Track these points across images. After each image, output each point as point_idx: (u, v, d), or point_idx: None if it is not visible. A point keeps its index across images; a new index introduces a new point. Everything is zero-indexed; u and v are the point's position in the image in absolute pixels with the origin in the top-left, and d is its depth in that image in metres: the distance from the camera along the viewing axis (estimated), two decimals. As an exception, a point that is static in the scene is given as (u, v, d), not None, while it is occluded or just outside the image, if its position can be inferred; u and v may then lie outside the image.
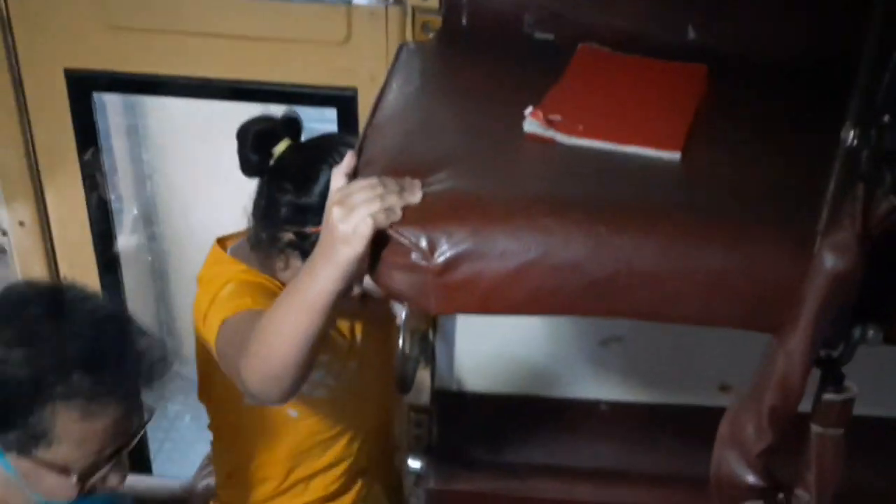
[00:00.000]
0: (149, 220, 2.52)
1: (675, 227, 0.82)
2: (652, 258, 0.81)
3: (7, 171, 1.58)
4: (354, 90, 1.51)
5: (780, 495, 0.83)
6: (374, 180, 0.86)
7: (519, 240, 0.82)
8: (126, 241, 2.42)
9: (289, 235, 1.25)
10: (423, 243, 0.83)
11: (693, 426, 1.73)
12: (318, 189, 1.22)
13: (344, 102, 1.52)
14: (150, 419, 1.07)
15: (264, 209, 1.28)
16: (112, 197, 1.72)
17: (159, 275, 2.67)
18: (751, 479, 0.81)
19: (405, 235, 0.84)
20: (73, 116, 1.54)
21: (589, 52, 1.23)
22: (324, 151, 1.24)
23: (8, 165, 1.57)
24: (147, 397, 1.05)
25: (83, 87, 1.53)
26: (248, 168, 1.27)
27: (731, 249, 0.80)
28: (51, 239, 1.65)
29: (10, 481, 1.01)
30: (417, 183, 0.87)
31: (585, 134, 1.00)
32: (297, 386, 1.01)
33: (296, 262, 1.26)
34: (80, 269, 1.68)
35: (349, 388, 1.38)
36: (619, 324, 1.68)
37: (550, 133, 1.00)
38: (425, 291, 0.85)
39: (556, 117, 1.02)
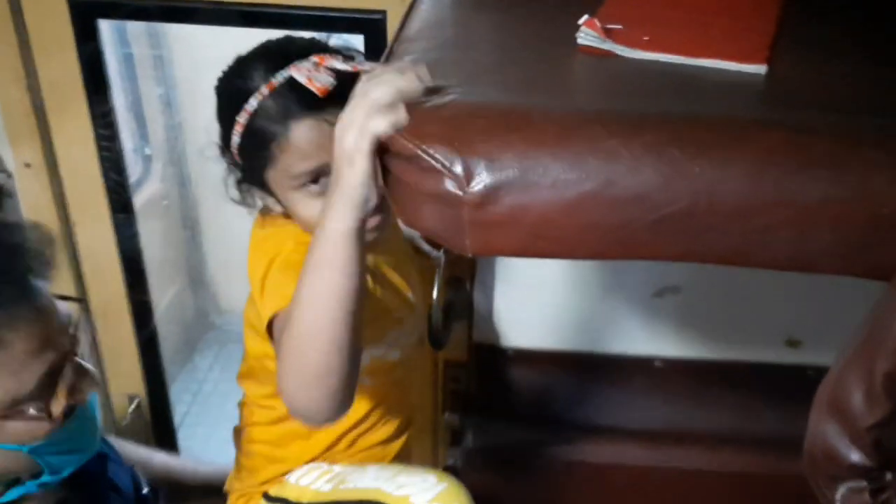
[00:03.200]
0: (174, 161, 2.41)
1: (766, 150, 0.67)
2: (738, 187, 0.66)
3: (10, 108, 1.46)
4: (383, 13, 1.37)
5: (889, 476, 0.68)
6: (366, 81, 0.75)
7: (575, 166, 0.68)
8: (152, 186, 2.33)
9: (238, 176, 1.10)
10: (458, 168, 0.69)
11: (757, 385, 1.63)
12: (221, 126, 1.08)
13: (372, 27, 1.38)
14: (74, 325, 0.97)
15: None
16: (137, 136, 1.61)
17: (189, 222, 2.58)
18: (855, 456, 0.66)
19: (436, 158, 0.69)
20: (78, 47, 1.42)
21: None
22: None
23: (11, 102, 1.46)
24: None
25: (87, 14, 1.40)
26: None
27: (836, 173, 0.65)
28: (59, 182, 1.54)
29: None
30: (423, 66, 0.75)
31: (651, 46, 0.85)
32: (346, 386, 0.87)
33: (266, 198, 1.10)
34: (92, 215, 1.57)
35: (417, 342, 1.28)
36: (675, 272, 1.56)
37: (609, 45, 0.85)
38: (460, 228, 0.71)
39: (616, 27, 0.86)
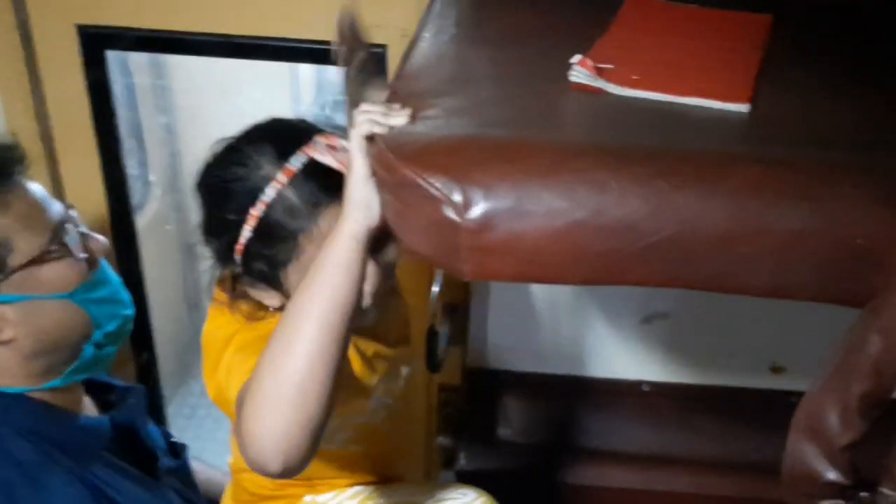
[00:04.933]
0: (174, 187, 2.45)
1: (747, 182, 0.71)
2: (720, 217, 0.70)
3: (18, 134, 1.49)
4: (384, 48, 1.41)
5: (864, 494, 0.72)
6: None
7: (568, 195, 0.72)
8: (151, 210, 2.35)
9: (238, 272, 1.01)
10: (457, 196, 0.73)
11: (741, 410, 1.67)
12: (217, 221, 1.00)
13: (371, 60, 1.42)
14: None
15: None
16: (135, 162, 1.65)
17: (185, 247, 2.60)
18: (832, 475, 0.70)
19: (436, 186, 0.73)
20: (86, 75, 1.46)
21: (640, 1, 1.12)
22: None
23: (19, 128, 1.49)
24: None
25: (96, 45, 1.44)
26: None
27: (813, 205, 0.69)
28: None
29: (22, 314, 1.01)
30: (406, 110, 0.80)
31: (640, 85, 0.89)
32: (316, 425, 0.80)
33: (270, 292, 1.00)
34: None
35: (404, 396, 1.22)
36: (663, 299, 1.60)
37: (601, 83, 0.89)
38: (457, 253, 0.74)
39: (607, 66, 0.91)
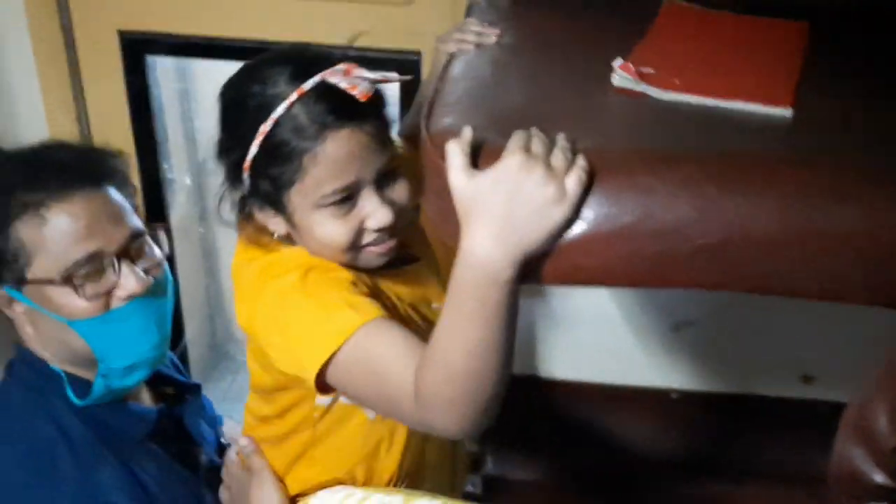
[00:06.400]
0: (200, 191, 2.47)
1: (794, 185, 0.72)
2: (770, 221, 0.71)
3: (58, 136, 1.53)
4: (418, 54, 1.42)
5: (911, 496, 0.72)
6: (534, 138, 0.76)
7: (614, 200, 0.73)
8: (178, 213, 2.38)
9: (243, 193, 0.98)
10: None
11: (772, 419, 1.66)
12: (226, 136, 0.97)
13: (407, 67, 1.43)
14: (145, 233, 1.07)
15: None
16: (165, 166, 1.67)
17: (209, 251, 2.62)
18: (879, 477, 0.70)
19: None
20: (127, 80, 1.48)
21: (676, 8, 1.13)
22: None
23: (59, 130, 1.52)
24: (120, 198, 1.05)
25: (137, 50, 1.47)
26: None
27: (860, 207, 0.70)
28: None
29: (40, 316, 1.02)
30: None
31: (683, 88, 0.90)
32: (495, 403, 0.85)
33: (275, 218, 0.98)
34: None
35: None
36: (693, 307, 1.60)
37: (643, 87, 0.90)
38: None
39: (649, 70, 0.92)
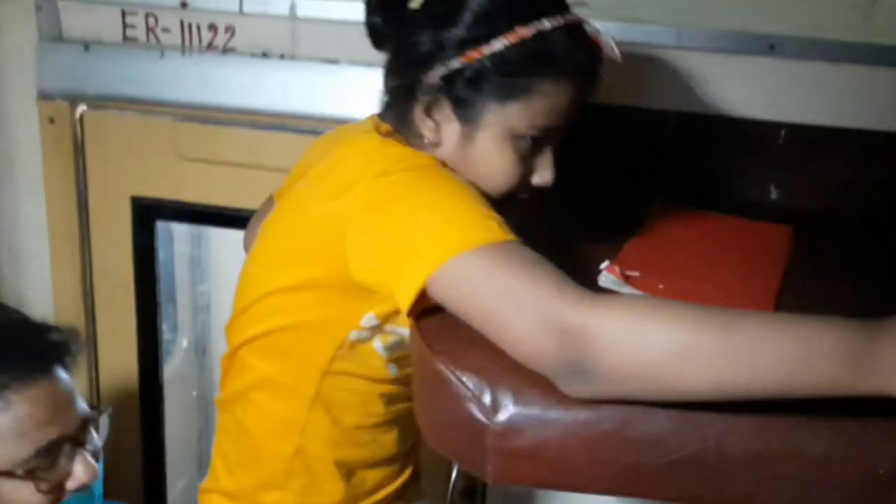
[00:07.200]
0: (200, 351, 2.48)
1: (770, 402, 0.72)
2: (745, 437, 0.71)
3: (61, 292, 1.56)
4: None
5: None
6: None
7: (595, 406, 0.73)
8: (173, 371, 2.38)
9: (433, 78, 0.88)
10: (487, 398, 0.74)
11: None
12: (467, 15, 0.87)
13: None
14: (96, 416, 1.03)
15: (395, 65, 0.94)
16: (164, 327, 1.70)
17: (203, 411, 2.60)
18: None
19: (467, 385, 0.75)
20: (135, 244, 1.53)
21: (664, 208, 1.18)
22: None
23: (62, 287, 1.56)
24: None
25: (148, 215, 1.52)
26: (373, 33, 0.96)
27: (836, 431, 0.70)
28: (96, 366, 1.61)
29: None
30: None
31: (666, 294, 0.92)
32: None
33: (448, 123, 0.90)
34: (123, 395, 1.63)
35: None
36: None
37: (627, 290, 0.92)
38: (482, 454, 0.75)
39: (634, 273, 0.95)
